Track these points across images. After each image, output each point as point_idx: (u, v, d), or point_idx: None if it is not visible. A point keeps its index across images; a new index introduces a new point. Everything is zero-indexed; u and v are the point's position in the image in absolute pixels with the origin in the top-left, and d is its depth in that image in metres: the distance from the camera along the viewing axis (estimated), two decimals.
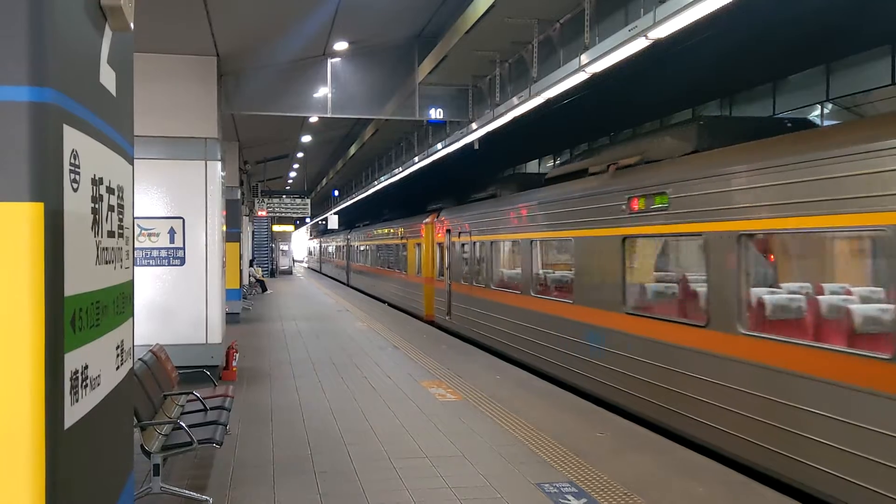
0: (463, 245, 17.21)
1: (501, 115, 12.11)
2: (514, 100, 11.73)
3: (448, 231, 18.40)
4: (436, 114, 14.54)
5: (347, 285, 39.75)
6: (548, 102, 10.80)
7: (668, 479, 6.75)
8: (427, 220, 21.22)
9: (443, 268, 19.10)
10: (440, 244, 19.45)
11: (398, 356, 13.88)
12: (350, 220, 44.48)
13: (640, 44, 7.63)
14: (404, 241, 24.59)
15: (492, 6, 9.62)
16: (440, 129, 17.44)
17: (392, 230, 27.14)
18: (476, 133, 13.78)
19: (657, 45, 7.75)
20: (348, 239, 41.00)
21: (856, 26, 11.52)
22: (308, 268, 72.83)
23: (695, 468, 7.06)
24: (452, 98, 14.71)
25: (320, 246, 62.72)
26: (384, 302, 27.32)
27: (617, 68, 8.89)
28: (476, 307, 16.13)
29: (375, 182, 27.07)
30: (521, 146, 24.45)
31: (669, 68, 13.20)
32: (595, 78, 9.28)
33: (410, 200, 28.85)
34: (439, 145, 16.77)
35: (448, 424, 8.66)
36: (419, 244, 22.11)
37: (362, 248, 35.69)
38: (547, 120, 16.44)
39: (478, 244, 16.08)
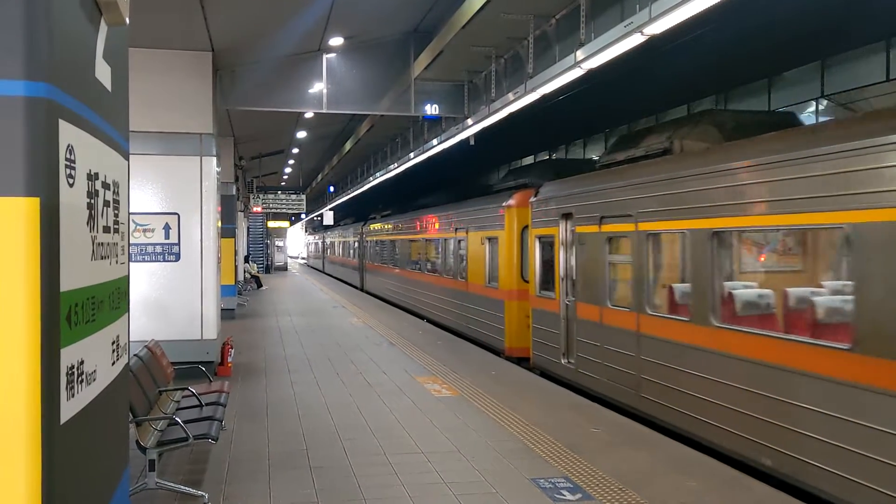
0: (609, 240, 10.05)
1: (497, 110, 12.11)
2: (510, 95, 11.74)
3: (566, 217, 11.29)
4: (431, 109, 14.54)
5: (362, 290, 31.94)
6: (544, 98, 10.80)
7: (662, 473, 6.77)
8: (510, 201, 14.17)
9: (553, 277, 11.84)
10: (542, 238, 12.35)
11: (393, 352, 13.88)
12: (362, 211, 37.05)
13: (635, 40, 7.65)
14: (460, 234, 17.07)
15: (488, 1, 9.62)
16: (436, 125, 17.43)
17: (438, 220, 19.36)
18: (471, 129, 13.78)
19: (652, 41, 7.75)
20: (362, 233, 32.75)
21: (850, 23, 11.54)
22: (308, 266, 67.61)
23: (688, 463, 7.09)
24: (448, 93, 14.70)
25: (323, 242, 53.57)
26: (422, 318, 20.19)
27: (612, 64, 8.89)
28: (653, 355, 8.84)
29: (371, 178, 27.02)
30: (521, 143, 24.41)
31: (665, 64, 13.20)
32: (591, 73, 9.29)
33: (451, 181, 24.90)
34: (435, 141, 16.76)
35: (443, 420, 8.67)
36: (491, 239, 14.98)
37: (384, 244, 27.65)
38: (543, 116, 16.42)
39: (654, 239, 9.09)
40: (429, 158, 17.78)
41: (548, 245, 12.23)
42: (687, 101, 17.60)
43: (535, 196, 12.67)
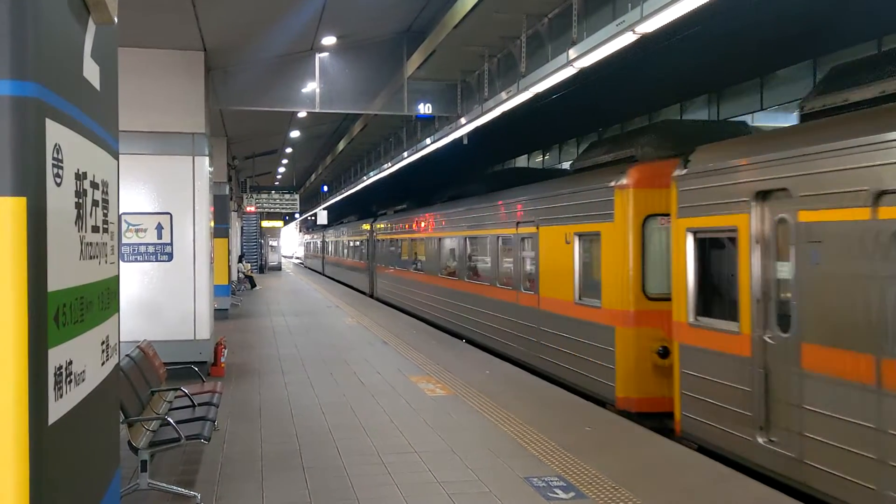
0: None
1: (490, 109, 12.12)
2: (503, 94, 11.74)
3: (762, 197, 7.12)
4: (424, 109, 14.54)
5: (371, 297, 27.84)
6: (536, 97, 10.81)
7: (656, 472, 6.78)
8: (623, 180, 9.60)
9: (731, 296, 7.61)
10: (702, 233, 8.07)
11: (387, 351, 13.87)
12: (367, 207, 33.53)
13: (627, 38, 7.67)
14: (526, 229, 12.64)
15: (480, 1, 9.62)
16: (429, 124, 17.43)
17: (484, 212, 15.04)
18: (465, 128, 13.78)
19: (645, 40, 7.77)
20: (372, 231, 28.45)
21: (842, 20, 11.59)
22: (305, 267, 64.61)
23: (682, 461, 7.10)
24: (441, 93, 14.71)
25: (322, 241, 49.39)
26: (461, 337, 16.06)
27: (605, 63, 8.91)
28: None
29: (365, 178, 26.97)
30: (516, 141, 24.40)
31: (657, 63, 13.23)
32: (583, 72, 9.30)
33: (489, 166, 23.37)
34: (428, 140, 16.76)
35: (437, 419, 8.67)
36: (585, 235, 10.61)
37: (401, 244, 23.42)
38: (536, 115, 16.44)
39: None
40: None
41: (715, 244, 8.02)
42: (680, 99, 17.66)
43: (684, 168, 8.18)
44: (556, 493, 6.17)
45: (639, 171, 9.59)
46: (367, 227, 29.61)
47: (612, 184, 9.79)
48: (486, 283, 14.87)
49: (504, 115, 12.11)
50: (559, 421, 8.56)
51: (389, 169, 21.56)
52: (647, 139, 10.15)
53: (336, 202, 40.49)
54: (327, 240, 45.78)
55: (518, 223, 13.04)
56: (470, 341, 15.39)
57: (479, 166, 28.99)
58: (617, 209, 9.71)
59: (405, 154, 19.33)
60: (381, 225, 27.01)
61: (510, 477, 6.61)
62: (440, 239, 18.52)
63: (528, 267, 12.71)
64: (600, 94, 16.21)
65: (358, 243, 32.35)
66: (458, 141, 14.95)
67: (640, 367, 9.41)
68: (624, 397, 9.54)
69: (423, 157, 17.81)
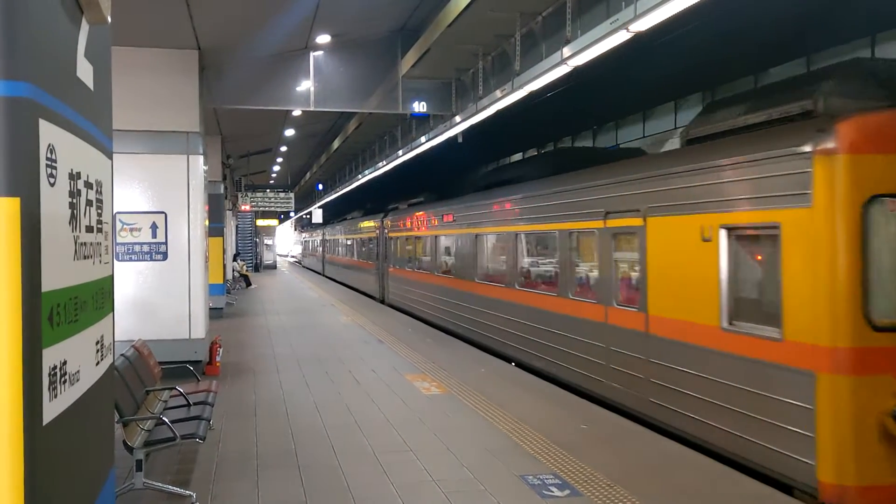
0: None
1: (485, 108, 12.13)
2: (497, 93, 11.75)
3: None
4: (419, 107, 14.54)
5: (383, 303, 24.60)
6: (531, 95, 10.82)
7: (651, 470, 6.80)
8: (829, 142, 6.13)
9: None
10: None
11: (383, 350, 13.87)
12: (372, 203, 30.69)
13: (621, 36, 7.68)
14: (619, 221, 9.44)
15: None
16: (424, 123, 17.43)
17: (549, 201, 11.63)
18: (459, 126, 13.78)
19: (638, 38, 7.78)
20: (382, 227, 25.12)
21: (835, 19, 11.61)
22: (303, 266, 61.71)
23: (677, 459, 7.12)
24: (436, 91, 14.71)
25: (322, 240, 45.69)
26: (509, 360, 12.89)
27: (599, 61, 8.93)
28: None
29: (361, 175, 26.96)
30: (511, 139, 24.38)
31: (651, 61, 13.24)
32: (578, 70, 9.32)
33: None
34: (423, 138, 16.76)
35: (433, 418, 8.67)
36: (745, 231, 7.17)
37: (423, 241, 19.94)
38: (531, 113, 16.42)
39: None
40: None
41: None
42: (674, 97, 17.67)
43: None
44: (552, 491, 6.19)
45: (858, 127, 6.17)
46: (376, 223, 25.98)
47: (809, 148, 6.30)
48: (551, 293, 11.59)
49: (499, 113, 12.11)
50: (555, 419, 8.57)
51: (385, 167, 21.54)
52: (832, 86, 7.00)
53: (333, 199, 40.39)
54: (328, 238, 41.66)
55: (607, 213, 9.71)
56: (520, 365, 12.30)
57: (496, 156, 28.70)
58: (818, 187, 6.22)
59: (400, 152, 19.32)
60: (394, 221, 23.39)
61: (505, 475, 6.63)
62: (477, 236, 15.11)
63: (625, 273, 9.58)
64: (594, 92, 16.21)
65: (366, 241, 28.40)
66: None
67: (862, 439, 6.00)
68: (835, 485, 6.07)
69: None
